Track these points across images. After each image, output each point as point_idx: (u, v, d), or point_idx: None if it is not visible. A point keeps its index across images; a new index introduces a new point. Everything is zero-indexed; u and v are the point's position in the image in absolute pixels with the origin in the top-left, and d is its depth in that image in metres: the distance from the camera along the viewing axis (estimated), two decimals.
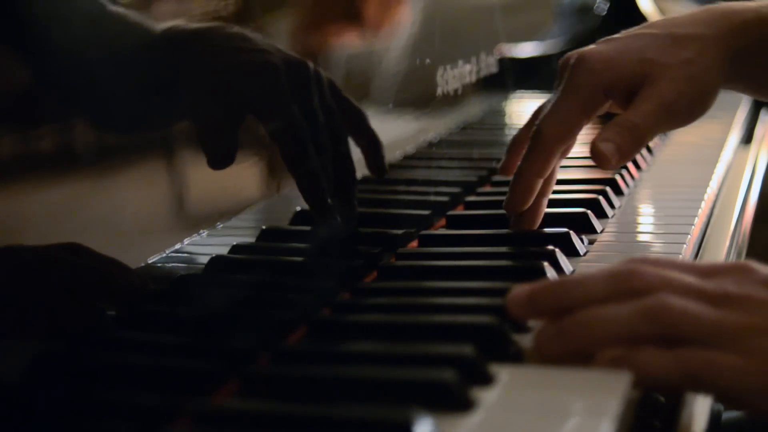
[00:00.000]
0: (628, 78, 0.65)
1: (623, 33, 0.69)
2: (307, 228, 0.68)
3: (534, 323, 0.52)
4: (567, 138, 0.66)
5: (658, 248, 0.69)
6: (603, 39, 0.68)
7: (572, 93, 0.65)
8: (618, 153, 0.63)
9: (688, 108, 0.66)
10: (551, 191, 0.70)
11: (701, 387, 0.47)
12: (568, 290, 0.49)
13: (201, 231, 0.60)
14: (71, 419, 0.44)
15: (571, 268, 0.62)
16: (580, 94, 0.65)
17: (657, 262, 0.50)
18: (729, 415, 0.78)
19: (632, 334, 0.47)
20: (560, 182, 0.82)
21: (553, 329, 0.48)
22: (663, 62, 0.65)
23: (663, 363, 0.46)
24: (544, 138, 0.65)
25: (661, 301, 0.47)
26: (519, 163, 0.67)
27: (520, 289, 0.50)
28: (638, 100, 0.65)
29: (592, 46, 0.67)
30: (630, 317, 0.47)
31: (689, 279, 0.49)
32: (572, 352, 0.47)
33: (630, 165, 0.87)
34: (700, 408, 0.50)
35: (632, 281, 0.48)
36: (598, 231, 0.71)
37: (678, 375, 0.45)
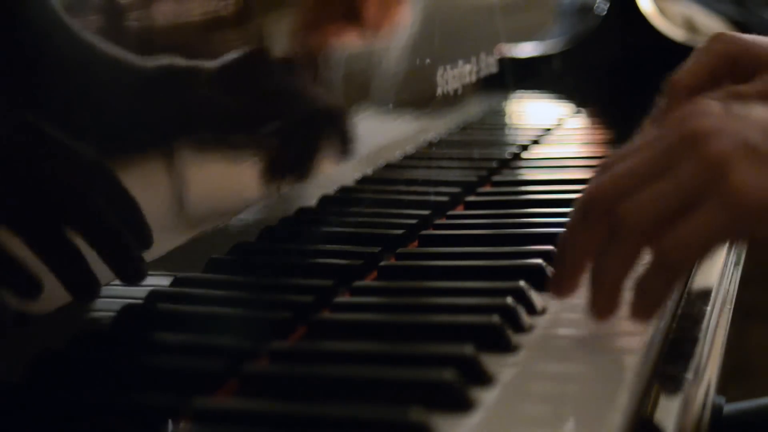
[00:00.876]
0: (756, 62, 0.61)
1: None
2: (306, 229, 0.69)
3: (534, 322, 0.52)
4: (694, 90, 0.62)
5: None
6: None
7: (704, 56, 0.63)
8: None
9: None
10: None
11: (687, 261, 0.49)
12: (565, 249, 0.52)
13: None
14: (70, 419, 0.44)
15: None
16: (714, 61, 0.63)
17: (605, 167, 0.51)
18: (730, 408, 0.79)
19: (622, 265, 0.49)
20: (559, 182, 0.83)
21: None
22: None
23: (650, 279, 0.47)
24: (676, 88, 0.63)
25: (619, 211, 0.48)
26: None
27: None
28: (759, 79, 0.59)
29: None
30: (609, 244, 0.49)
31: (636, 167, 0.49)
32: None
33: None
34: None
35: (593, 209, 0.50)
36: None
37: (663, 274, 0.47)
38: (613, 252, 0.49)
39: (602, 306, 0.50)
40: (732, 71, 0.62)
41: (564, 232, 0.52)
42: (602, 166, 0.52)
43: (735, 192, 0.46)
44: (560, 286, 0.52)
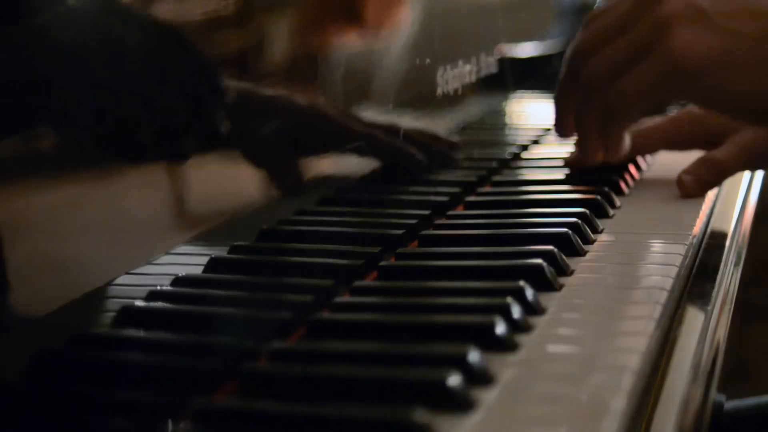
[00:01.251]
0: (718, 129, 0.76)
1: None
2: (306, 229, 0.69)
3: (535, 322, 0.52)
4: (641, 149, 0.82)
5: (658, 248, 0.69)
6: None
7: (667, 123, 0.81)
8: (698, 183, 0.75)
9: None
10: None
11: (628, 114, 0.62)
12: (556, 107, 0.67)
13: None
14: (70, 418, 0.44)
15: (571, 269, 0.62)
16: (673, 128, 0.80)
17: (585, 28, 0.63)
18: (731, 404, 0.79)
19: (592, 112, 0.63)
20: (559, 182, 0.83)
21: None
22: None
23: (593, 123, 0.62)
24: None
25: (585, 70, 0.60)
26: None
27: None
28: (726, 143, 0.76)
29: None
30: (580, 97, 0.63)
31: (604, 25, 0.60)
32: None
33: (630, 165, 0.87)
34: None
35: (575, 63, 0.63)
36: (599, 230, 0.71)
37: (602, 118, 0.61)
38: (585, 101, 0.62)
39: (582, 149, 0.67)
40: (689, 143, 0.81)
41: (557, 85, 0.64)
42: (584, 23, 0.64)
43: (671, 50, 0.54)
44: (560, 129, 0.68)
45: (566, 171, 0.85)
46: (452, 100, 0.94)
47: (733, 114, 0.57)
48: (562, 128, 0.70)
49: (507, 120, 1.16)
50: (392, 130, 0.79)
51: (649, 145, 0.80)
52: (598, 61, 0.58)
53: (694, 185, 0.76)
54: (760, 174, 0.99)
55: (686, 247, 0.67)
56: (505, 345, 0.49)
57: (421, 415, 0.40)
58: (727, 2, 0.54)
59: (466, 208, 0.78)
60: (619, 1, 0.61)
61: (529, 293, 0.55)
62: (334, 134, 0.74)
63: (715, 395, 0.52)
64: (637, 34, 0.56)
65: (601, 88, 0.59)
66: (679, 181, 0.76)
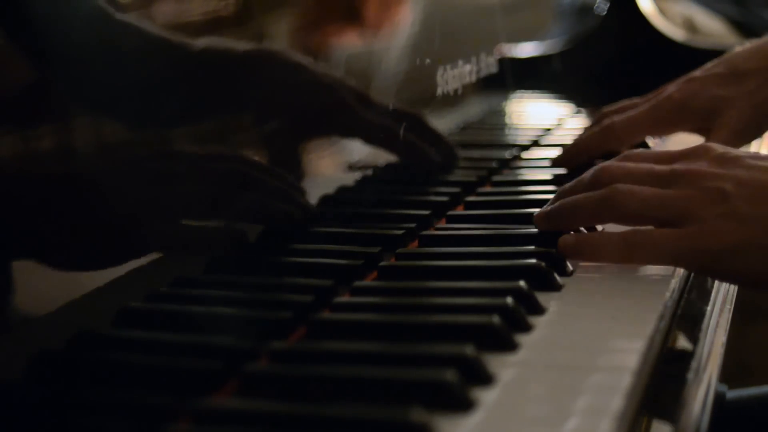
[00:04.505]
0: (703, 114, 0.81)
1: (700, 71, 0.86)
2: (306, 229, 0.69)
3: (535, 322, 0.52)
4: (630, 137, 0.82)
5: None
6: (684, 78, 0.85)
7: (649, 111, 0.82)
8: None
9: (755, 130, 0.82)
10: None
11: (642, 258, 0.58)
12: (563, 191, 0.64)
13: None
14: (70, 418, 0.44)
15: (571, 268, 0.62)
16: (657, 114, 0.82)
17: (626, 156, 0.64)
18: (733, 394, 0.79)
19: (597, 218, 0.62)
20: (560, 182, 0.83)
21: (543, 213, 0.63)
22: (729, 96, 0.81)
23: (612, 241, 0.58)
24: (614, 130, 0.81)
25: (612, 189, 0.59)
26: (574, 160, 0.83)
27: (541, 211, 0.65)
28: (713, 130, 0.80)
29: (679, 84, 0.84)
30: (594, 205, 0.60)
31: (646, 167, 0.60)
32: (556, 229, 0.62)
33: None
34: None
35: (601, 177, 0.61)
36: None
37: (623, 250, 0.58)
38: (592, 208, 0.60)
39: (551, 222, 0.63)
40: (677, 126, 0.84)
41: (567, 185, 0.64)
42: (623, 157, 0.64)
43: (697, 232, 0.55)
44: (547, 227, 0.64)
45: (566, 171, 0.85)
46: (452, 100, 0.94)
47: (760, 289, 0.59)
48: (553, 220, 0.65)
49: (507, 120, 1.16)
50: (406, 123, 0.79)
51: (634, 135, 0.82)
52: (633, 192, 0.59)
53: None
54: None
55: None
56: (505, 345, 0.49)
57: (419, 415, 0.40)
58: (751, 187, 0.57)
59: (466, 208, 0.78)
60: (661, 157, 0.62)
61: (529, 293, 0.55)
62: (353, 123, 0.76)
63: (717, 386, 0.52)
64: (677, 194, 0.58)
65: (621, 216, 0.60)
66: None
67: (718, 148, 0.61)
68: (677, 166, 0.60)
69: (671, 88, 0.85)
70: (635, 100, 0.87)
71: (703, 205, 0.56)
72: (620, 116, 0.83)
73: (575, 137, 0.88)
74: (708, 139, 0.80)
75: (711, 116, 0.81)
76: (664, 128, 0.85)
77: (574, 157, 0.84)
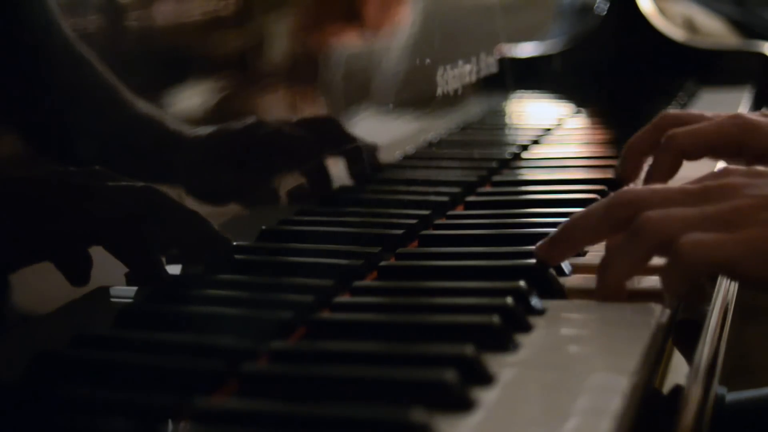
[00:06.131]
0: (759, 149, 0.72)
1: None
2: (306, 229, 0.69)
3: (535, 322, 0.52)
4: (691, 153, 0.74)
5: None
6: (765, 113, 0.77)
7: (714, 126, 0.74)
8: None
9: None
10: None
11: (695, 266, 0.52)
12: (575, 225, 0.58)
13: None
14: (70, 418, 0.44)
15: (570, 268, 0.62)
16: (719, 131, 0.73)
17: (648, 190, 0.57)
18: (732, 397, 0.79)
19: (628, 257, 0.54)
20: (559, 182, 0.83)
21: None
22: None
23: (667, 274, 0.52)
24: (673, 143, 0.72)
25: (643, 218, 0.53)
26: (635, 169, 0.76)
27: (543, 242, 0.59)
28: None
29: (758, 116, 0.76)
30: (624, 242, 0.54)
31: (674, 187, 0.56)
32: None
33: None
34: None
35: (622, 207, 0.55)
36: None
37: (675, 267, 0.52)
38: (627, 250, 0.54)
39: (606, 295, 0.55)
40: (734, 151, 0.72)
41: (579, 213, 0.57)
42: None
43: (764, 231, 0.51)
44: (550, 253, 0.59)
45: (566, 171, 0.85)
46: (452, 100, 0.94)
47: None
48: (557, 251, 0.60)
49: (507, 120, 1.16)
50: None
51: (695, 151, 0.75)
52: (664, 217, 0.53)
53: None
54: None
55: None
56: (505, 345, 0.49)
57: (419, 415, 0.40)
58: None
59: (466, 208, 0.78)
60: (682, 188, 0.58)
61: (529, 293, 0.55)
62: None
63: (716, 389, 0.52)
64: (712, 214, 0.53)
65: (657, 245, 0.54)
66: None
67: (743, 167, 0.58)
68: (709, 182, 0.56)
69: (747, 117, 0.75)
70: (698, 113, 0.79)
71: (753, 211, 0.53)
72: (682, 129, 0.75)
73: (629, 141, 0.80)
74: None
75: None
76: (725, 147, 0.75)
77: (629, 165, 0.77)
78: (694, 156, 0.75)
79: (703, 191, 0.55)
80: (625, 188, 0.58)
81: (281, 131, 0.72)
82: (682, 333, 0.56)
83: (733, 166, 0.58)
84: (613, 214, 0.56)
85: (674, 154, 0.73)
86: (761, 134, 0.73)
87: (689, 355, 0.53)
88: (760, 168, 0.57)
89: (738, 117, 0.74)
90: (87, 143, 0.54)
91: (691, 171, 0.69)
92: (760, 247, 0.51)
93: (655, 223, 0.53)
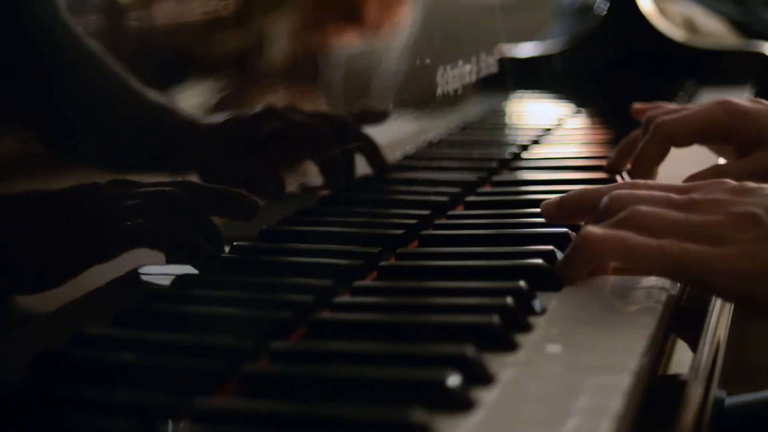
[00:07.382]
0: (748, 136, 0.74)
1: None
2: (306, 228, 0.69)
3: (535, 322, 0.52)
4: (680, 140, 0.76)
5: None
6: (753, 99, 0.79)
7: (702, 113, 0.76)
8: None
9: None
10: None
11: (675, 273, 0.54)
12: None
13: None
14: (70, 418, 0.44)
15: None
16: (708, 118, 0.76)
17: (635, 185, 0.60)
18: (732, 401, 0.79)
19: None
20: (559, 182, 0.83)
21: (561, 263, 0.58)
22: None
23: (647, 243, 0.53)
24: (665, 128, 0.76)
25: (633, 210, 0.55)
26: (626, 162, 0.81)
27: (551, 199, 0.64)
28: (747, 157, 0.74)
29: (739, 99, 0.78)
30: (608, 225, 0.56)
31: (662, 194, 0.58)
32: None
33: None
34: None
35: (614, 205, 0.57)
36: None
37: (658, 258, 0.53)
38: (608, 226, 0.56)
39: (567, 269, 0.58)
40: (723, 137, 0.75)
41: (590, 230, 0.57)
42: (631, 184, 0.61)
43: (743, 250, 0.53)
44: (549, 214, 0.63)
45: (566, 171, 0.85)
46: (452, 100, 0.94)
47: None
48: (554, 212, 0.64)
49: (507, 120, 1.16)
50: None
51: (684, 139, 0.77)
52: (654, 216, 0.55)
53: None
54: None
55: None
56: (505, 345, 0.49)
57: (418, 415, 0.40)
58: None
59: (466, 208, 0.78)
60: (678, 188, 0.60)
61: (529, 293, 0.55)
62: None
63: (716, 392, 0.52)
64: (696, 223, 0.55)
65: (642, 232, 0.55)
66: None
67: (732, 181, 0.58)
68: (695, 195, 0.57)
69: (722, 98, 0.78)
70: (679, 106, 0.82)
71: (735, 229, 0.54)
72: (670, 116, 0.78)
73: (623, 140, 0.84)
74: (736, 162, 0.75)
75: (754, 143, 0.75)
76: (715, 133, 0.77)
77: (620, 158, 0.82)
78: (683, 143, 0.77)
79: (690, 203, 0.56)
80: (616, 192, 0.59)
81: (300, 123, 0.73)
82: (685, 320, 0.56)
83: (723, 180, 0.59)
84: (607, 207, 0.58)
85: (662, 141, 0.75)
86: (750, 121, 0.75)
87: (693, 342, 0.54)
88: (750, 184, 0.58)
89: (726, 103, 0.76)
90: (90, 140, 0.54)
91: (684, 164, 0.70)
92: (735, 265, 0.53)
93: (643, 216, 0.55)
